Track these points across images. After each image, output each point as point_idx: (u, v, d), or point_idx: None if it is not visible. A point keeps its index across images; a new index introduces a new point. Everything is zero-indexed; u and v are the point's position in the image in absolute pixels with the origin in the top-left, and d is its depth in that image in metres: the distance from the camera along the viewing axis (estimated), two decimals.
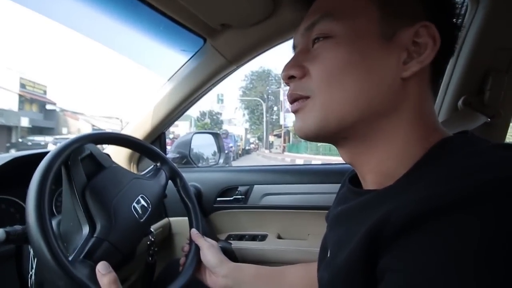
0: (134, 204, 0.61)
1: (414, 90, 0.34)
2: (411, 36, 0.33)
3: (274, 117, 32.06)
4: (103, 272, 0.45)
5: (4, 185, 0.67)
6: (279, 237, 0.97)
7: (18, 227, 0.50)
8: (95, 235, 0.52)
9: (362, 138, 0.35)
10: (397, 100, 0.33)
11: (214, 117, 37.72)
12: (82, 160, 0.57)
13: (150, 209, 0.64)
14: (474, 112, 0.73)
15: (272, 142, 28.41)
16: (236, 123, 37.37)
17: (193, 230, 0.69)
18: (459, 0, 0.72)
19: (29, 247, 0.57)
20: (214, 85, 0.90)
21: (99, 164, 0.60)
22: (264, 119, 29.34)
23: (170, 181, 0.74)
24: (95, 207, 0.54)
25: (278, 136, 28.66)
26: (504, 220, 0.21)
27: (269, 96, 31.39)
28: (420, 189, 0.26)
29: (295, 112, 0.37)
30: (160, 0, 0.64)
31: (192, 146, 1.13)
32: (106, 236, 0.52)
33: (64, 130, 23.93)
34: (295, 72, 0.36)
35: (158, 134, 0.99)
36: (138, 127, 0.95)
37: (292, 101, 0.38)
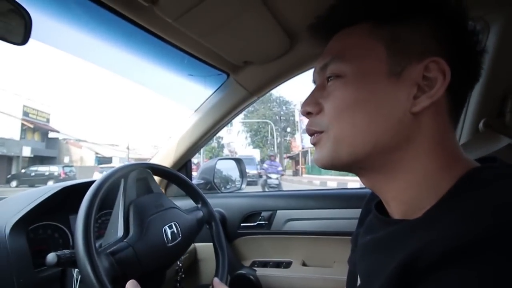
0: (166, 227, 0.74)
1: (428, 123, 0.37)
2: (421, 71, 0.36)
3: (288, 138, 31.51)
4: None
5: (51, 212, 0.82)
6: (304, 264, 1.06)
7: (67, 251, 0.61)
8: (125, 240, 0.66)
9: (379, 169, 0.39)
10: (410, 133, 0.37)
11: (215, 141, 38.12)
12: (138, 180, 0.75)
13: (179, 238, 0.75)
14: (496, 134, 0.82)
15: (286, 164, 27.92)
16: (235, 147, 36.80)
17: (216, 280, 0.74)
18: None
19: (73, 270, 0.72)
20: (236, 114, 1.06)
21: (149, 188, 0.78)
22: (275, 141, 28.43)
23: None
24: (133, 218, 0.69)
25: (292, 158, 27.99)
26: None
27: (281, 117, 30.95)
28: (450, 224, 0.29)
29: (314, 144, 0.44)
30: (188, 43, 0.81)
31: (217, 172, 1.29)
32: (133, 243, 0.66)
33: (66, 159, 23.95)
34: (311, 108, 0.43)
35: (185, 162, 1.15)
36: (167, 155, 1.11)
37: (310, 134, 0.44)
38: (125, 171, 0.74)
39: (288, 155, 28.95)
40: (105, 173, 0.71)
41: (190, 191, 0.89)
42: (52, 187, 0.85)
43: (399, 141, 0.37)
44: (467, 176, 0.34)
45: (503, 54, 0.80)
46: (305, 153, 24.50)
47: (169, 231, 0.74)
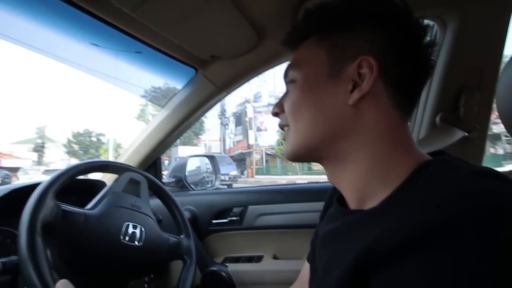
0: (130, 224, 0.69)
1: (368, 114, 0.40)
2: (355, 69, 0.40)
3: (232, 137, 25.23)
4: None
5: (1, 216, 0.74)
6: (275, 258, 1.03)
7: (14, 258, 0.55)
8: (85, 208, 0.66)
9: (333, 158, 0.43)
10: (352, 124, 0.40)
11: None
12: (130, 182, 0.75)
13: (138, 244, 0.69)
14: (452, 127, 0.83)
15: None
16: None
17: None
18: (429, 24, 0.84)
19: None
20: (206, 110, 1.00)
21: (137, 193, 0.76)
22: (205, 140, 24.61)
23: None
24: (104, 202, 0.69)
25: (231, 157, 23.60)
26: (482, 250, 0.24)
27: (224, 113, 24.10)
28: (402, 215, 0.30)
29: (284, 140, 0.49)
30: (153, 38, 0.75)
31: (189, 170, 1.23)
32: (87, 214, 0.64)
33: None
34: (276, 109, 0.50)
35: (154, 160, 1.08)
36: (134, 154, 1.03)
37: (282, 129, 0.50)
38: (84, 168, 0.68)
39: (230, 155, 24.03)
40: (50, 177, 0.65)
41: (179, 220, 0.85)
42: (0, 189, 0.76)
43: (343, 131, 0.41)
44: (419, 168, 0.36)
45: (459, 51, 0.81)
46: (250, 153, 21.83)
47: (130, 230, 0.69)
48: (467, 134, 0.83)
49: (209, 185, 1.39)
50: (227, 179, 11.25)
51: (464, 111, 0.83)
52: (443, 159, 0.37)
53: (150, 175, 0.82)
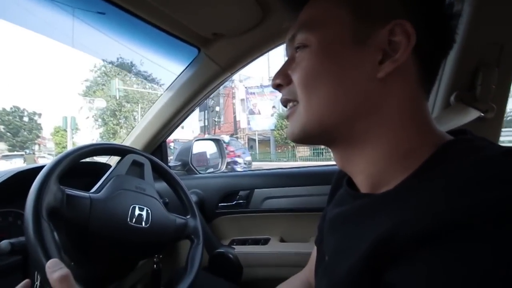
0: (137, 206, 0.68)
1: (395, 90, 0.35)
2: (385, 36, 0.34)
3: (217, 119, 20.95)
4: (54, 268, 0.42)
5: (10, 198, 0.74)
6: (281, 240, 1.02)
7: (22, 239, 0.55)
8: (90, 192, 0.65)
9: (349, 139, 0.37)
10: (377, 100, 0.35)
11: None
12: (133, 164, 0.74)
13: (145, 225, 0.69)
14: (467, 107, 0.78)
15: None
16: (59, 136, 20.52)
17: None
18: None
19: None
20: (210, 92, 0.97)
21: (141, 175, 0.75)
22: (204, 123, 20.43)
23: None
24: (109, 185, 0.67)
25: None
26: None
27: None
28: (422, 203, 0.27)
29: (287, 118, 0.41)
30: (153, 15, 0.71)
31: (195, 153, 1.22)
32: (93, 198, 0.63)
33: None
34: (281, 80, 0.41)
35: (159, 144, 1.07)
36: (139, 137, 1.02)
37: (284, 105, 0.42)
38: (91, 149, 0.66)
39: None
40: (52, 159, 0.63)
41: (184, 201, 0.84)
42: (5, 172, 0.76)
43: (366, 109, 0.35)
44: (441, 149, 0.32)
45: (477, 25, 0.75)
46: (237, 138, 17.88)
47: (137, 212, 0.68)
48: (482, 114, 0.78)
49: (217, 168, 1.37)
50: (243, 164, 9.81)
51: (481, 89, 0.77)
52: (466, 139, 0.33)
53: (153, 157, 0.81)
